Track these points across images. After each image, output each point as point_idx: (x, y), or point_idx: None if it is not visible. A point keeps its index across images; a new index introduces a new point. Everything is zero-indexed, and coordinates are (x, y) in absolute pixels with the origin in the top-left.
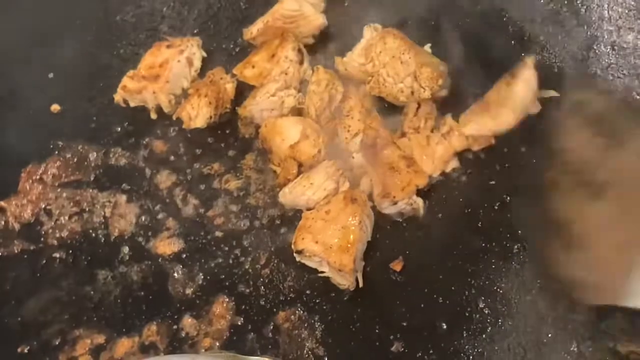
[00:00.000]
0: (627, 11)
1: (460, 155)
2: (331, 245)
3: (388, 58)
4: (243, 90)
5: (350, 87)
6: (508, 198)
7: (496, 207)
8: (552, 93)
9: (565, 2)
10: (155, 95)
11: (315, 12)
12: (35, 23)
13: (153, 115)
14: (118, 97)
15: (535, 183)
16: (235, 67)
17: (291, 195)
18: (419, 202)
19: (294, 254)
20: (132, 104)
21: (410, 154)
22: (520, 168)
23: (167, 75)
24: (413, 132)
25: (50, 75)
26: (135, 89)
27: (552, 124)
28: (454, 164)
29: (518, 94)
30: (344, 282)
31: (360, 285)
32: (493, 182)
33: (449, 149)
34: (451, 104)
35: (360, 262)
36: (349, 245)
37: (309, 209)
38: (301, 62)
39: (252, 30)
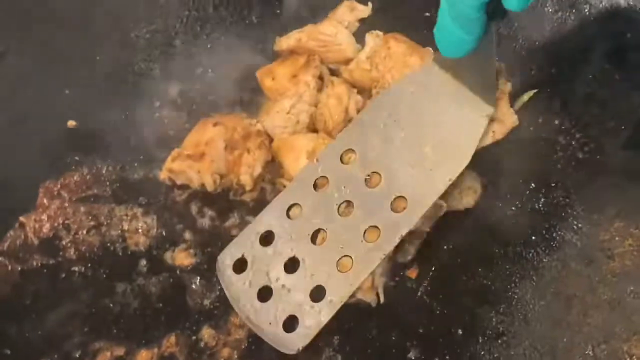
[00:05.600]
0: (633, 15)
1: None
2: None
3: (393, 62)
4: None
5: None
6: (519, 204)
7: (509, 213)
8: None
9: (573, 10)
10: (199, 175)
11: (350, 42)
12: (50, 40)
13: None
14: (164, 175)
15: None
16: (259, 70)
17: None
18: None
19: None
20: (178, 182)
21: None
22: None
23: (213, 153)
24: None
25: (67, 91)
26: (180, 169)
27: None
28: None
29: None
30: (366, 298)
31: (382, 301)
32: (507, 192)
33: None
34: None
35: (381, 278)
36: None
37: None
38: (320, 89)
39: (283, 44)
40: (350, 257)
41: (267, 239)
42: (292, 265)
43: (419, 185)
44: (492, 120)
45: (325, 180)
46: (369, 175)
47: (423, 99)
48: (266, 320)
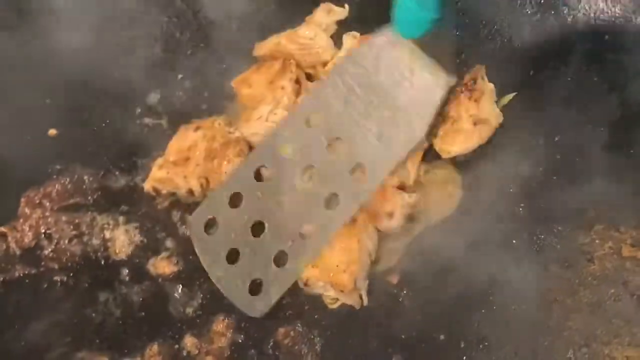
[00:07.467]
0: (613, 19)
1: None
2: (331, 266)
3: None
4: None
5: None
6: (499, 208)
7: (489, 217)
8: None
9: (552, 12)
10: (186, 180)
11: (327, 44)
12: (32, 47)
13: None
14: (148, 186)
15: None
16: (234, 79)
17: None
18: (413, 196)
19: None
20: (164, 191)
21: None
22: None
23: (197, 157)
24: None
25: (48, 100)
26: (166, 177)
27: None
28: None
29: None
30: (350, 301)
31: (365, 303)
32: (484, 191)
33: (416, 155)
34: None
35: (364, 281)
36: (348, 266)
37: None
38: (298, 94)
39: (263, 49)
40: (311, 224)
41: (235, 200)
42: (257, 229)
43: (378, 155)
44: (477, 121)
45: (289, 146)
46: (331, 141)
47: (385, 64)
48: (234, 283)
